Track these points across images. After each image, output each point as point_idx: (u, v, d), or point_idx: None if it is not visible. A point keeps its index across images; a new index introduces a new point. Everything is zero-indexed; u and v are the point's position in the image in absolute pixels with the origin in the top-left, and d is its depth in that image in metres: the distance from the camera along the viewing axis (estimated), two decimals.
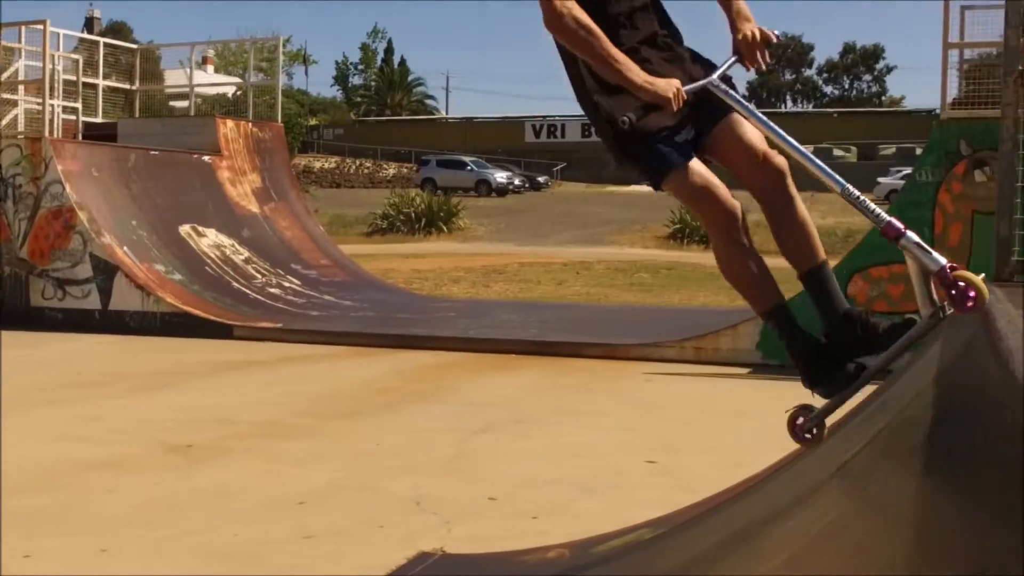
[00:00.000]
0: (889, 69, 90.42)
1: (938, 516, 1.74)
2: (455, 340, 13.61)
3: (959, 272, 3.35)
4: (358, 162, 69.00)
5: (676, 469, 7.33)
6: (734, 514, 4.10)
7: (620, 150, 3.79)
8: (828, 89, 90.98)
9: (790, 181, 3.72)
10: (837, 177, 3.56)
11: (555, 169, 67.59)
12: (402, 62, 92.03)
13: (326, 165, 67.52)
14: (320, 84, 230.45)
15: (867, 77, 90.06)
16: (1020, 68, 4.40)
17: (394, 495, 6.57)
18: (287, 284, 17.26)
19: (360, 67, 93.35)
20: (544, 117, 73.95)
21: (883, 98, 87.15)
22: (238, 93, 25.29)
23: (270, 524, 5.96)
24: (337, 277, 18.63)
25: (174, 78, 29.13)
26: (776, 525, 3.38)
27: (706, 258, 31.49)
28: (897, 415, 3.20)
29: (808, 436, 3.77)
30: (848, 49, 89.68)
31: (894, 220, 3.52)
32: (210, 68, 55.10)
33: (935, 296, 3.45)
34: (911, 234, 3.47)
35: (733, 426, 9.08)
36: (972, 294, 3.30)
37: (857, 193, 3.56)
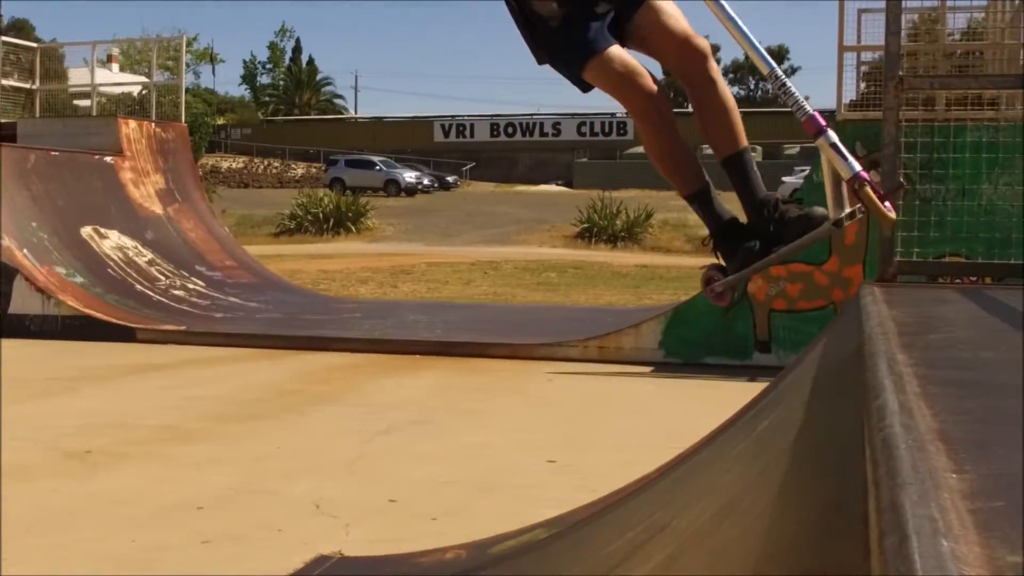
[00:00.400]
0: (794, 70, 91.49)
1: (789, 520, 1.79)
2: (360, 341, 13.58)
3: (864, 192, 3.42)
4: (266, 162, 68.62)
5: (576, 468, 7.39)
6: (625, 514, 4.15)
7: (540, 45, 3.82)
8: (734, 89, 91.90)
9: (712, 64, 3.75)
10: (767, 57, 3.59)
11: (464, 169, 67.75)
12: (310, 61, 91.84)
13: (234, 165, 67.05)
14: (228, 83, 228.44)
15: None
16: (900, 74, 4.50)
17: (293, 498, 6.56)
18: (191, 286, 17.12)
19: (268, 66, 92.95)
20: (453, 117, 74.09)
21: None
22: (143, 92, 24.98)
23: (167, 530, 5.93)
24: (242, 279, 18.51)
25: (78, 77, 28.67)
26: (662, 524, 3.44)
27: (612, 257, 31.78)
28: (775, 416, 3.27)
29: (718, 297, 3.90)
30: None
31: (817, 115, 3.55)
32: (115, 66, 54.41)
33: (847, 201, 3.50)
34: (831, 133, 3.52)
35: (634, 424, 9.18)
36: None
37: (784, 79, 3.59)
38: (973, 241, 9.09)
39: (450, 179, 63.01)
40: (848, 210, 3.51)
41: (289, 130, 75.74)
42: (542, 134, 71.15)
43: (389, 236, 38.98)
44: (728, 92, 3.79)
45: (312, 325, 15.29)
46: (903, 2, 4.63)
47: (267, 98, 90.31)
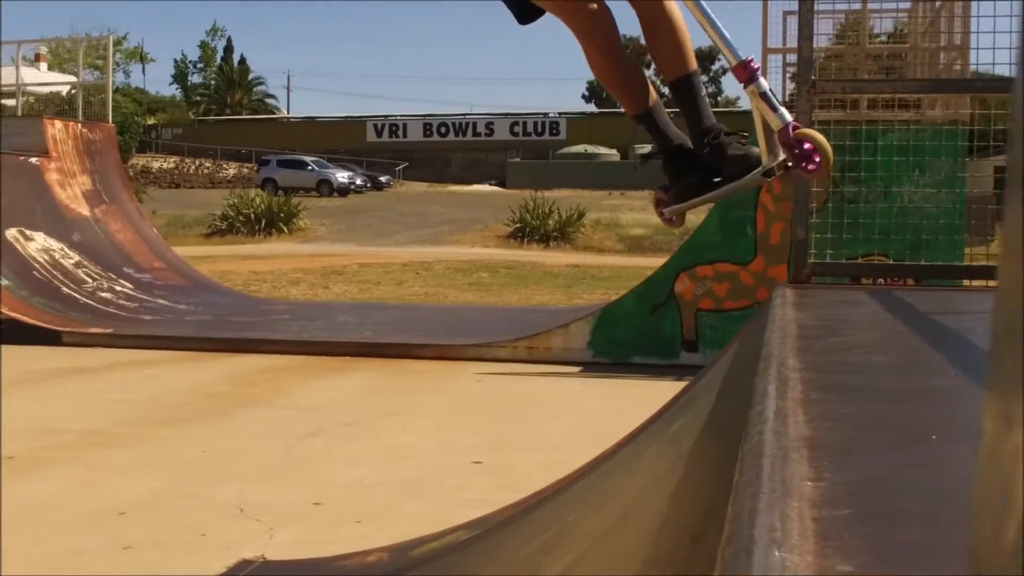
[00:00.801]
0: (724, 70, 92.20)
1: (678, 523, 1.82)
2: (289, 343, 13.53)
3: (802, 131, 3.33)
4: (198, 162, 68.16)
5: (502, 469, 7.42)
6: (542, 515, 4.19)
7: None
8: (664, 90, 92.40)
9: None
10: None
11: (397, 169, 67.61)
12: (242, 60, 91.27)
13: (165, 165, 66.54)
14: (159, 82, 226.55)
15: (704, 78, 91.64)
16: (813, 78, 4.57)
17: (218, 502, 6.54)
18: (119, 288, 16.96)
19: (199, 65, 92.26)
20: (386, 117, 73.96)
21: (719, 98, 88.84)
22: (72, 92, 24.72)
23: (89, 535, 5.89)
24: (171, 280, 18.36)
25: (5, 76, 28.32)
26: (574, 525, 3.47)
27: (545, 257, 31.84)
28: (687, 418, 3.31)
29: (668, 221, 3.87)
30: None
31: (752, 61, 3.40)
32: (43, 65, 53.74)
33: (779, 149, 3.41)
34: (763, 81, 3.39)
35: (561, 425, 9.21)
36: (816, 158, 3.31)
37: (713, 17, 3.41)
38: (895, 242, 9.22)
39: (383, 179, 62.83)
40: (780, 159, 3.44)
41: (221, 130, 75.20)
42: (475, 134, 71.21)
43: (321, 237, 38.82)
44: (678, 11, 3.62)
45: (241, 327, 15.19)
46: (815, 4, 4.70)
47: (198, 98, 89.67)
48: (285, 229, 38.98)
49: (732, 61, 3.40)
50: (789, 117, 3.36)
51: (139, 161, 60.38)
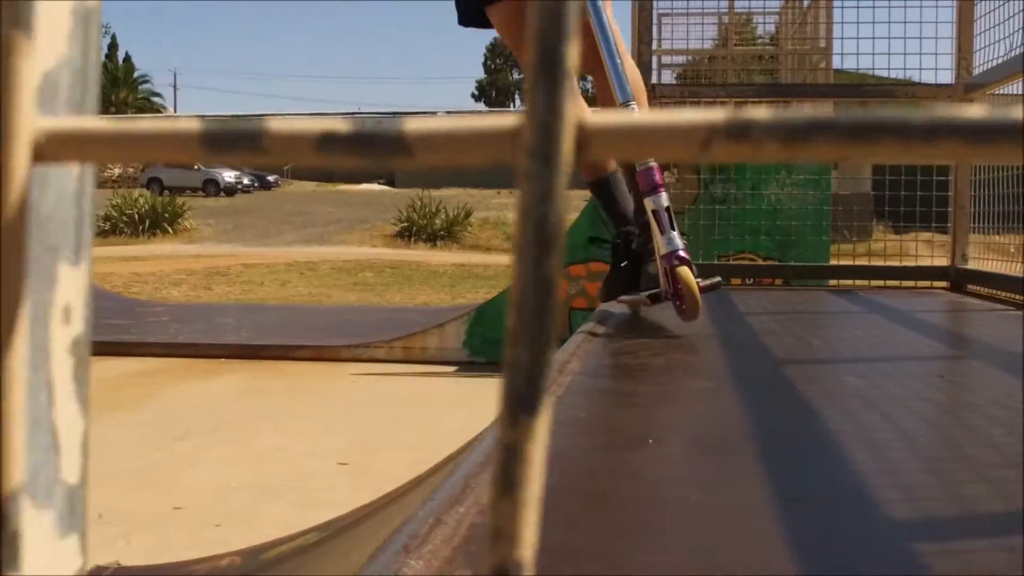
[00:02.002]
0: None
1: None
2: (163, 346, 13.39)
3: (679, 270, 3.01)
4: None
5: (367, 470, 7.44)
6: (395, 512, 4.23)
7: None
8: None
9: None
10: (625, 85, 3.15)
11: (285, 168, 67.12)
12: (127, 58, 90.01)
13: None
14: None
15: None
16: (653, 82, 4.67)
17: None
18: None
19: None
20: (273, 115, 73.39)
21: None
22: None
23: None
24: None
25: None
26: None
27: (431, 256, 31.84)
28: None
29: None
30: None
31: (654, 171, 3.10)
32: None
33: (661, 277, 3.14)
34: (664, 196, 3.07)
35: (433, 424, 9.25)
36: (681, 301, 3.00)
37: (635, 107, 3.13)
38: (764, 242, 9.39)
39: (271, 178, 62.31)
40: (658, 289, 3.14)
41: None
42: None
43: (207, 237, 38.43)
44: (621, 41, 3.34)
45: (116, 330, 14.99)
46: (653, 6, 4.81)
47: None
48: (170, 229, 38.52)
49: (640, 166, 3.11)
50: (679, 244, 3.06)
51: None
